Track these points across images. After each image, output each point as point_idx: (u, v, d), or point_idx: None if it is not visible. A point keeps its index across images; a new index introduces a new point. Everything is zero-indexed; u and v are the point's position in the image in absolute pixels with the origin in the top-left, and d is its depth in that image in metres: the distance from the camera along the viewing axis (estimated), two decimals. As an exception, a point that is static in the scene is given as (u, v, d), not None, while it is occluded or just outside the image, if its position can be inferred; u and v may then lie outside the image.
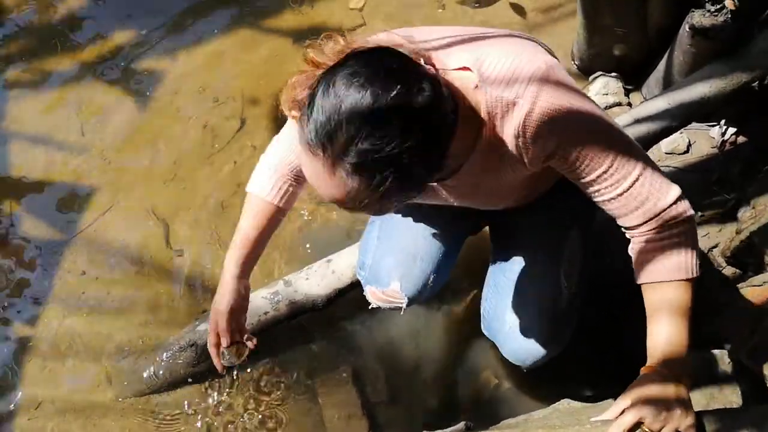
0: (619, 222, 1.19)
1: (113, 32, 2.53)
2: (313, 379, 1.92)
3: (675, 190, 1.14)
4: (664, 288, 1.15)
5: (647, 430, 1.11)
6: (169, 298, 2.03)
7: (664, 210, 1.13)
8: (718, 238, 1.87)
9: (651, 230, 1.15)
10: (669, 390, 1.11)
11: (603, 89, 2.22)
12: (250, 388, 1.91)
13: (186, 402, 1.88)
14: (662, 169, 1.22)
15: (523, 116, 1.07)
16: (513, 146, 1.11)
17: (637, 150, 1.15)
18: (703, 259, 1.82)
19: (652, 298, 1.17)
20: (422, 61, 1.01)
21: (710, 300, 1.63)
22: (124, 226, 2.15)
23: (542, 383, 1.83)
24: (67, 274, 2.07)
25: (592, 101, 1.17)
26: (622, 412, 1.12)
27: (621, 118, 1.83)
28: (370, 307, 1.67)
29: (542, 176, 1.25)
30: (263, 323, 1.89)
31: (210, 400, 1.89)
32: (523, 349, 1.49)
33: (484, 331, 1.60)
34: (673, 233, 1.15)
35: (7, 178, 2.23)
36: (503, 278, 1.53)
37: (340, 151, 0.92)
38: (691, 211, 1.15)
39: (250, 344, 1.46)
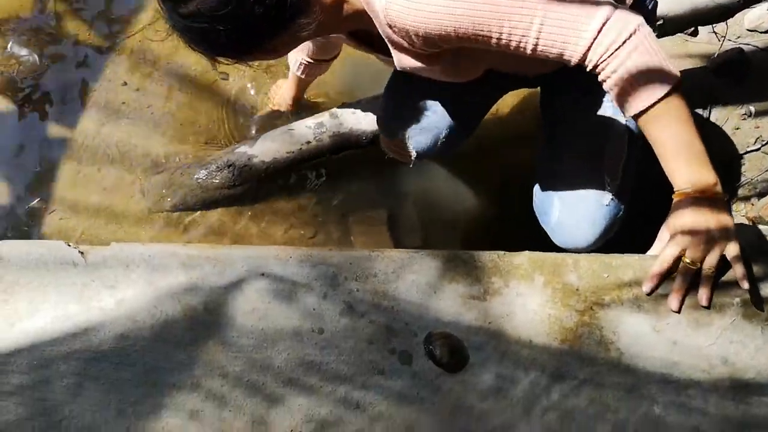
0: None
1: None
2: (349, 217, 1.87)
3: (598, 17, 1.02)
4: (656, 113, 1.06)
5: (688, 261, 1.05)
6: (210, 119, 1.97)
7: (592, 43, 1.03)
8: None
9: (599, 68, 1.06)
10: (705, 215, 1.05)
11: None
12: (280, 221, 1.87)
13: (217, 223, 1.84)
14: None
15: (383, 11, 1.06)
16: (396, 36, 1.11)
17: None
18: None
19: (648, 127, 1.08)
20: None
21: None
22: (170, 42, 2.05)
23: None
24: (108, 82, 2.01)
25: None
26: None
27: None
28: (386, 157, 1.65)
29: None
30: (304, 153, 1.83)
31: (238, 227, 1.86)
32: (569, 241, 1.42)
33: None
34: (624, 58, 1.03)
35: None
36: (548, 170, 1.47)
37: None
38: (632, 24, 1.02)
39: None
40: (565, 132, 1.44)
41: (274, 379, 1.05)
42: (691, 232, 1.06)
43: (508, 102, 1.94)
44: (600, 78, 1.08)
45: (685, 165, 1.07)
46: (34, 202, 1.83)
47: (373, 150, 1.85)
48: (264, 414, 1.03)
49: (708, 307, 1.09)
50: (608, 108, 1.38)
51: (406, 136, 1.51)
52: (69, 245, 1.11)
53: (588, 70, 1.08)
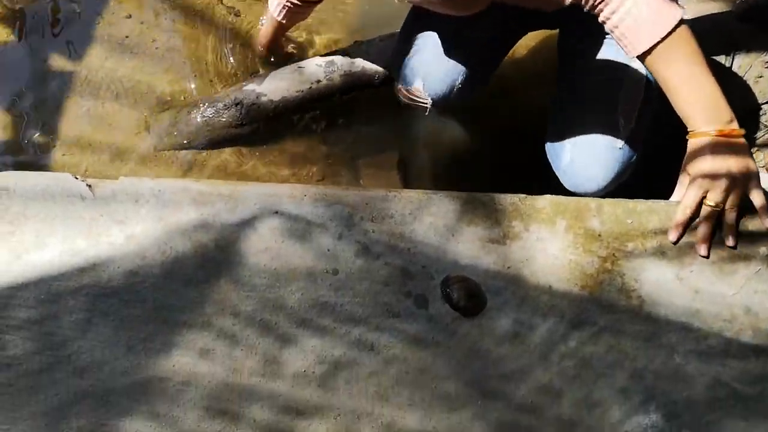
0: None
1: None
2: (358, 159, 1.83)
3: None
4: (661, 50, 1.03)
5: (712, 204, 1.02)
6: (217, 56, 1.91)
7: None
8: None
9: (598, 8, 1.05)
10: (724, 155, 1.02)
11: None
12: (287, 162, 1.83)
13: (223, 163, 1.80)
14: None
15: None
16: None
17: None
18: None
19: (655, 67, 1.05)
20: None
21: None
22: (175, -26, 1.99)
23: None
24: (111, 15, 1.93)
25: None
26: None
27: None
28: (400, 104, 1.58)
29: None
30: (314, 92, 1.77)
31: (244, 167, 1.82)
32: (579, 183, 1.38)
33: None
34: None
35: None
36: (562, 113, 1.42)
37: None
38: None
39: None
40: (581, 75, 1.40)
41: (286, 319, 1.03)
42: (711, 175, 1.02)
43: (524, 44, 1.88)
44: (600, 19, 1.05)
45: (696, 103, 1.03)
46: (36, 135, 1.79)
47: (384, 91, 1.79)
48: (276, 354, 1.01)
49: (734, 247, 1.06)
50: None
51: (422, 84, 1.46)
52: (76, 178, 1.08)
53: (585, 10, 1.04)
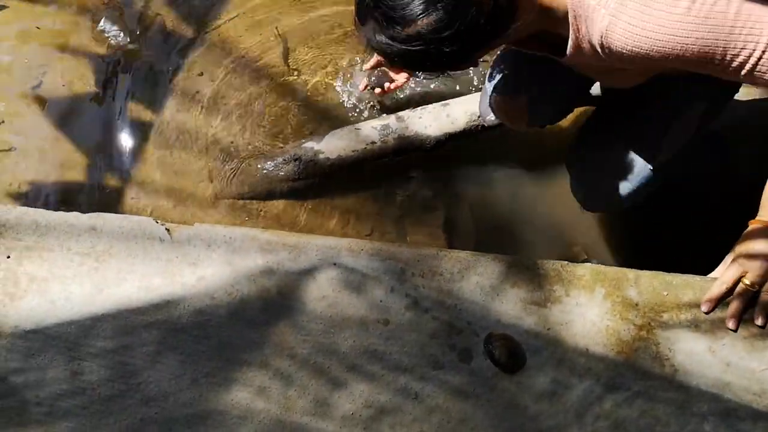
0: None
1: None
2: (405, 218, 1.92)
3: None
4: None
5: (747, 283, 1.08)
6: (280, 113, 2.04)
7: None
8: None
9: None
10: None
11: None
12: (338, 217, 1.93)
13: (278, 214, 1.91)
14: None
15: (603, 30, 1.02)
16: (601, 53, 1.07)
17: (752, 21, 0.99)
18: None
19: None
20: None
21: None
22: (247, 37, 2.14)
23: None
24: (185, 71, 2.09)
25: None
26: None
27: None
28: (482, 121, 1.68)
29: None
30: (368, 152, 1.88)
31: (298, 219, 1.92)
32: (596, 190, 1.46)
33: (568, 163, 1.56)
34: None
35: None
36: (607, 118, 1.49)
37: None
38: None
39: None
40: (644, 92, 1.41)
41: (338, 363, 1.11)
42: (756, 257, 1.08)
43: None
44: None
45: None
46: (109, 179, 1.92)
47: (434, 154, 1.90)
48: (327, 396, 1.09)
49: (763, 327, 1.11)
50: (695, 92, 1.38)
51: (528, 100, 1.49)
52: (157, 222, 1.19)
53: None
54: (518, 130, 1.59)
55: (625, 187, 1.41)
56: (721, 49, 1.00)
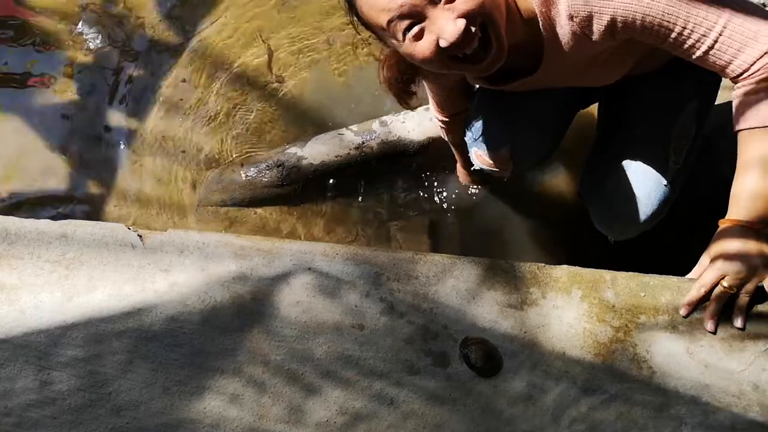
0: (721, 74, 1.12)
1: None
2: (390, 222, 1.91)
3: None
4: (757, 138, 1.08)
5: (726, 286, 1.07)
6: (264, 119, 2.03)
7: (760, 58, 1.04)
8: None
9: (749, 80, 1.07)
10: (750, 245, 1.08)
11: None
12: (322, 222, 1.92)
13: (261, 221, 1.90)
14: None
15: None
16: (574, 28, 1.11)
17: (716, 4, 1.05)
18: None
19: (743, 148, 1.11)
20: None
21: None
22: (230, 43, 2.14)
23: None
24: (168, 78, 2.08)
25: None
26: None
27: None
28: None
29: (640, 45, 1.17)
30: (352, 157, 1.88)
31: (281, 225, 1.91)
32: (622, 212, 1.43)
33: (581, 193, 1.54)
34: None
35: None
36: (609, 145, 1.47)
37: None
38: None
39: None
40: (631, 112, 1.44)
41: (313, 369, 1.10)
42: (732, 258, 1.07)
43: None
44: (740, 83, 1.09)
45: (751, 196, 1.08)
46: (91, 186, 1.91)
47: (417, 157, 1.89)
48: (301, 402, 1.08)
49: (742, 329, 1.10)
50: (683, 93, 1.39)
51: (510, 151, 1.51)
52: (129, 228, 1.18)
53: (732, 77, 1.10)
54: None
55: (645, 210, 1.40)
56: (682, 20, 1.05)
